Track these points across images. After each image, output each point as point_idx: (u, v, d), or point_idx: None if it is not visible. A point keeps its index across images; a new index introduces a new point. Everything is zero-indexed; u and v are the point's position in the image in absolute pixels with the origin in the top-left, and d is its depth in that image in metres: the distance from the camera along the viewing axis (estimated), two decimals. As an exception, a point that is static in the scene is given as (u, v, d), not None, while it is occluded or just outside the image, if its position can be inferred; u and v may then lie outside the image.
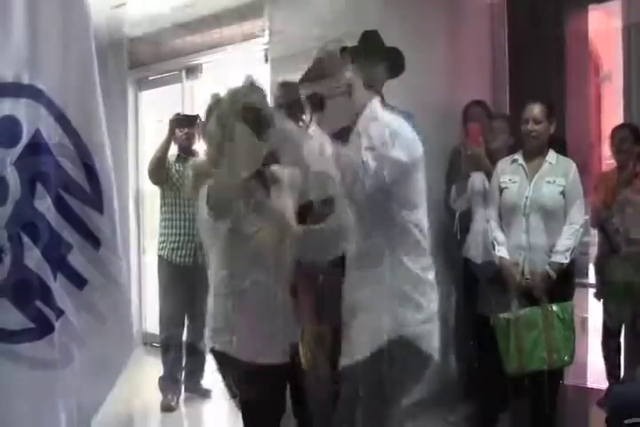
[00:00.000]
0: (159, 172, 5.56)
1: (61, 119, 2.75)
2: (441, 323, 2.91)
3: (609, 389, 5.12)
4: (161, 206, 5.71)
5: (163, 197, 5.67)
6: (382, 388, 2.74)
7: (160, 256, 5.69)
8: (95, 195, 2.81)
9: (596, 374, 5.34)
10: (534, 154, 4.42)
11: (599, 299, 5.14)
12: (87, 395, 2.82)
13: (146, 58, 7.37)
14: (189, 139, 5.65)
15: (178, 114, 5.73)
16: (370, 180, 2.61)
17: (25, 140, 2.67)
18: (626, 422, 3.40)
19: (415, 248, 2.85)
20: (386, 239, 2.79)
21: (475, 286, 4.83)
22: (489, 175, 4.70)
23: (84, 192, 2.78)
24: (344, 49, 4.27)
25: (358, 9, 4.82)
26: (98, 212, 2.81)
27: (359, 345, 2.82)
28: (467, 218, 4.97)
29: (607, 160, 5.33)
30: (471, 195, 4.78)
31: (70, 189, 2.75)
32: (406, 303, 2.79)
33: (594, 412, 5.05)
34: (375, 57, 4.21)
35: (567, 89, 6.17)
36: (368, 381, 2.78)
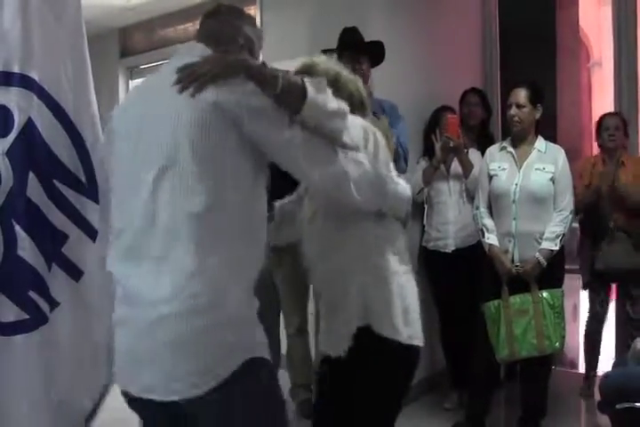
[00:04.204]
0: None
1: (54, 108, 2.73)
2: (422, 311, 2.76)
3: (587, 377, 5.17)
4: None
5: None
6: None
7: None
8: (90, 184, 2.78)
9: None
10: (521, 140, 4.41)
11: (586, 288, 5.13)
12: (82, 392, 2.79)
13: (137, 47, 7.37)
14: None
15: None
16: None
17: (16, 129, 2.65)
18: (617, 406, 3.43)
19: None
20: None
21: (445, 275, 4.96)
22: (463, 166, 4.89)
23: (79, 182, 2.76)
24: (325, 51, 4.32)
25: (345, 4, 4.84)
26: (93, 202, 2.79)
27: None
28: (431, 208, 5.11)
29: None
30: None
31: (65, 179, 2.73)
32: None
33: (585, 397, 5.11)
34: (356, 52, 4.25)
35: (558, 76, 6.21)
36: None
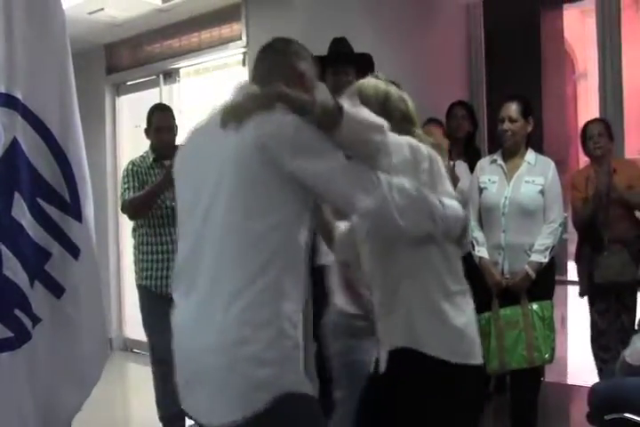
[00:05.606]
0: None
1: (39, 127, 2.73)
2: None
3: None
4: (136, 228, 4.64)
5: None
6: None
7: (144, 287, 4.54)
8: (74, 203, 2.79)
9: (575, 372, 5.37)
10: (512, 153, 4.42)
11: (583, 296, 5.13)
12: (63, 403, 2.81)
13: (123, 63, 7.36)
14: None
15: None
16: None
17: (1, 149, 2.64)
18: (606, 417, 3.43)
19: None
20: None
21: None
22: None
23: (63, 201, 2.77)
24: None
25: (334, 13, 4.84)
26: (77, 220, 2.80)
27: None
28: None
29: (585, 157, 5.29)
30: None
31: (49, 198, 2.74)
32: None
33: (574, 408, 5.10)
34: (345, 63, 4.24)
35: (543, 88, 6.23)
36: None
